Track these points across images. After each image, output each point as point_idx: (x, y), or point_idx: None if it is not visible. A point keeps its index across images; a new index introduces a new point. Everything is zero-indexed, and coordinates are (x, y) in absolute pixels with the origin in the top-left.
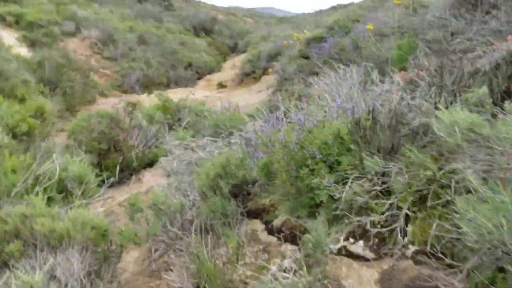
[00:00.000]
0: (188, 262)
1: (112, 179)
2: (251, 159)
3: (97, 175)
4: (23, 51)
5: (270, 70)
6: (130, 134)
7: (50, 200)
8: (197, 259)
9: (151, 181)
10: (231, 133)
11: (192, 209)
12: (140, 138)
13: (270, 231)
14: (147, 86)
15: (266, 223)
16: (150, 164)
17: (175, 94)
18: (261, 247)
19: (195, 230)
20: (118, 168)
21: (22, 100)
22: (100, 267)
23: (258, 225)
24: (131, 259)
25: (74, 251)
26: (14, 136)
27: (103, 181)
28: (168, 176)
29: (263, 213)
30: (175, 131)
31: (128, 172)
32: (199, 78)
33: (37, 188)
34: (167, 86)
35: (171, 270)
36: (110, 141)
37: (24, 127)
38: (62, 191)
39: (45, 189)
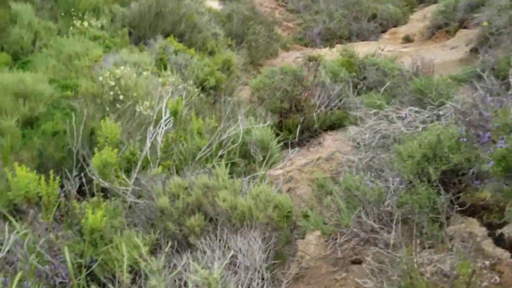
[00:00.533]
0: (390, 268)
1: (296, 150)
2: (471, 141)
3: (277, 135)
4: (214, 4)
5: (485, 23)
6: (313, 93)
7: (233, 165)
8: (408, 277)
9: (332, 146)
10: (441, 103)
11: (392, 198)
12: (322, 98)
13: (498, 241)
14: (328, 39)
15: (489, 226)
16: (332, 126)
17: (359, 48)
18: (486, 262)
19: (395, 225)
20: (298, 129)
21: (211, 53)
22: (280, 250)
23: (475, 226)
24: (312, 239)
25: (256, 235)
26: (203, 89)
27: (285, 143)
28: (357, 147)
29: (482, 211)
30: (361, 92)
31: (308, 134)
32: (383, 31)
33: (220, 152)
34: (348, 39)
35: (359, 263)
36: (292, 100)
37: (212, 81)
38: (245, 156)
39: (228, 153)
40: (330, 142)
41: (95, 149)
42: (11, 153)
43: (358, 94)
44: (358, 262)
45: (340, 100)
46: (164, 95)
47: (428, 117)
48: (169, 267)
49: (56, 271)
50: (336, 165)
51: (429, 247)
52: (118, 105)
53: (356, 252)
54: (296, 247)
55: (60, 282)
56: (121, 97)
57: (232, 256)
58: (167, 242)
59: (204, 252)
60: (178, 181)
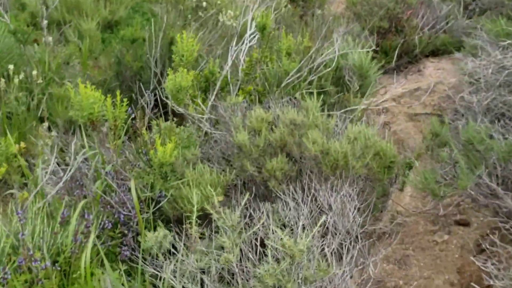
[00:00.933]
0: None
1: (403, 83)
2: None
3: (372, 59)
4: None
5: None
6: (417, 12)
7: (324, 94)
8: None
9: (434, 75)
10: None
11: None
12: (426, 18)
13: None
14: None
15: None
16: (434, 52)
17: None
18: None
19: None
20: (396, 52)
21: None
22: (374, 202)
23: None
24: (408, 189)
25: (351, 191)
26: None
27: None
28: (473, 84)
29: None
30: (472, 14)
31: (407, 59)
32: None
33: (310, 77)
34: None
35: (465, 225)
36: (392, 19)
37: None
38: (337, 83)
39: (319, 79)
40: (432, 70)
41: (169, 70)
42: (90, 57)
43: (468, 17)
44: (464, 223)
45: (447, 23)
46: (250, 5)
47: None
48: (244, 217)
49: (121, 202)
50: (439, 99)
51: None
52: (200, 13)
53: (461, 211)
54: (390, 197)
55: (126, 215)
56: (204, 3)
57: (321, 213)
58: (243, 184)
59: (286, 204)
60: (260, 114)
